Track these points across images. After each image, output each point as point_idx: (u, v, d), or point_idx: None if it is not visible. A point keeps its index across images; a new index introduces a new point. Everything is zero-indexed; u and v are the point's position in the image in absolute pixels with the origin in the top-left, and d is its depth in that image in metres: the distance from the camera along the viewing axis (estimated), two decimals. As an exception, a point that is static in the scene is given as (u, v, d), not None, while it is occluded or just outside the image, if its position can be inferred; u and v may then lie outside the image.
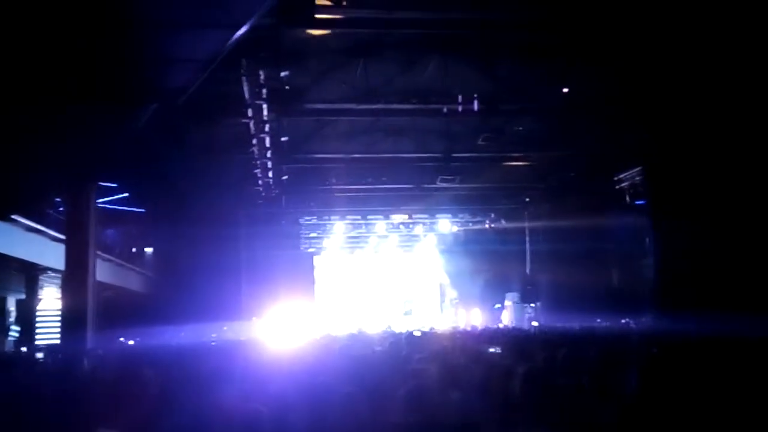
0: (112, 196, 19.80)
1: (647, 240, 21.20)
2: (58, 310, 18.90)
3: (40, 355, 8.75)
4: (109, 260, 19.60)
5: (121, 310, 18.37)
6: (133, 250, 24.14)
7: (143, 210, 21.83)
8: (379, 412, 3.11)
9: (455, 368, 4.13)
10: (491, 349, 6.86)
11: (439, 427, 2.84)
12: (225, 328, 16.06)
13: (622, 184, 18.46)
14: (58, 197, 16.45)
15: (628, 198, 18.34)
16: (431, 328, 16.18)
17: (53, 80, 7.08)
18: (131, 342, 13.68)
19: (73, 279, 11.12)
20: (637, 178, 17.73)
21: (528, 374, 3.12)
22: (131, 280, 22.26)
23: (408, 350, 7.37)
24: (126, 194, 20.42)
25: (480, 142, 14.87)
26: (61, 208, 16.70)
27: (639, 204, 18.10)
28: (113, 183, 18.18)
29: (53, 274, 18.04)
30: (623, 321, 12.33)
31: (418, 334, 12.34)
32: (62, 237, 15.37)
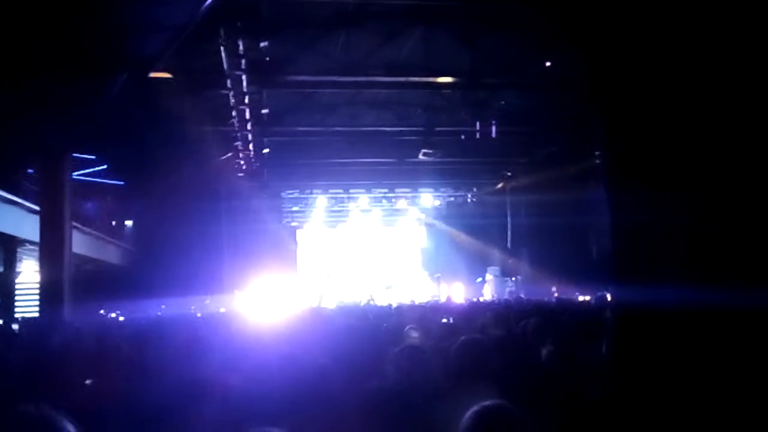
0: (91, 168, 19.57)
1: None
2: (37, 283, 18.75)
3: (15, 327, 8.69)
4: (88, 233, 19.42)
5: (101, 284, 18.28)
6: (113, 223, 23.94)
7: (122, 182, 21.61)
8: (357, 379, 3.15)
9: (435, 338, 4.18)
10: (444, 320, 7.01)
11: (409, 392, 2.87)
12: (207, 301, 16.05)
13: (603, 159, 18.57)
14: (32, 169, 16.22)
15: (608, 172, 18.47)
16: (411, 301, 16.29)
17: (24, 50, 6.93)
18: (112, 315, 13.63)
19: (49, 251, 11.00)
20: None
21: (500, 342, 3.17)
22: (111, 254, 22.10)
23: (395, 321, 7.44)
24: (105, 166, 20.18)
25: (462, 115, 14.85)
26: (36, 179, 16.48)
27: (619, 178, 18.25)
28: (91, 155, 17.94)
29: (31, 247, 17.85)
30: (599, 293, 12.46)
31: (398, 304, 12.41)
32: (38, 208, 15.20)
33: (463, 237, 24.49)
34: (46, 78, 7.44)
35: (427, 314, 7.87)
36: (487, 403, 2.06)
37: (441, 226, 25.96)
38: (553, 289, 16.66)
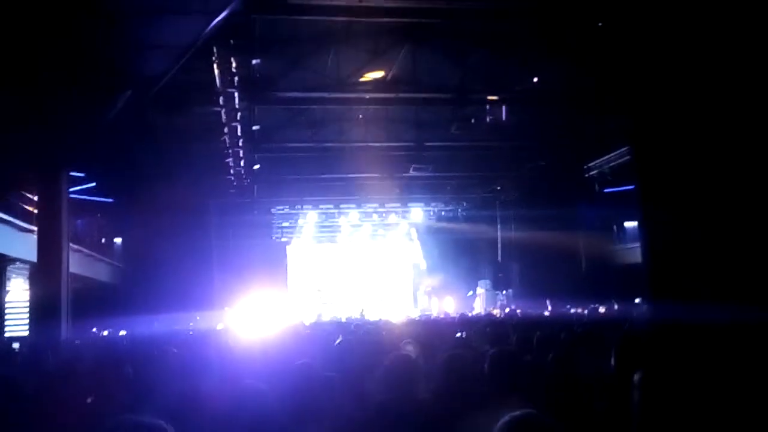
0: (80, 185, 19.46)
1: (614, 228, 21.68)
2: (26, 301, 18.60)
3: (15, 345, 8.64)
4: (78, 251, 19.31)
5: (91, 302, 18.13)
6: (102, 240, 23.80)
7: (112, 200, 21.50)
8: (355, 394, 3.18)
9: (430, 350, 4.22)
10: (458, 334, 7.03)
11: (415, 404, 2.91)
12: (197, 317, 15.98)
13: (592, 173, 18.79)
14: (28, 187, 16.15)
15: (597, 186, 18.68)
16: (406, 317, 16.31)
17: (28, 67, 6.97)
18: (105, 333, 13.55)
19: (45, 270, 10.95)
20: (606, 167, 18.06)
21: (498, 355, 3.22)
22: (101, 271, 21.96)
23: (386, 336, 7.46)
24: (94, 183, 20.08)
25: (453, 131, 14.98)
26: (27, 200, 16.40)
27: (608, 192, 18.46)
28: (81, 172, 17.88)
29: (21, 265, 17.73)
30: (592, 306, 12.58)
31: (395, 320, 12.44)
32: (30, 227, 15.14)
33: (453, 251, 24.55)
34: (52, 95, 7.47)
35: (423, 329, 7.90)
36: (517, 413, 2.09)
37: (431, 240, 26.01)
38: (548, 302, 16.75)
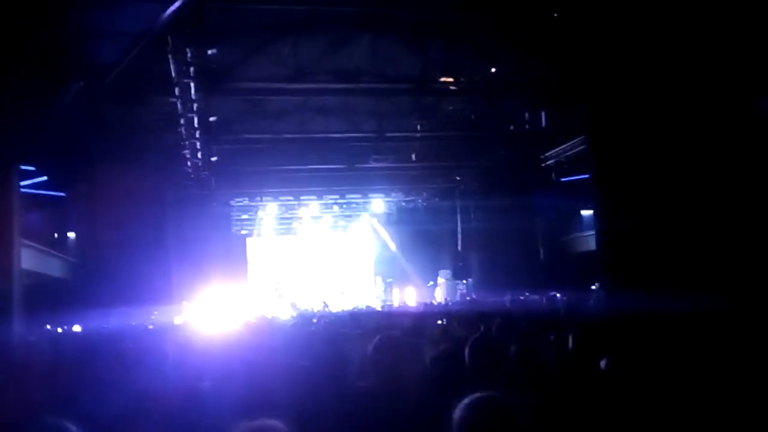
0: (32, 179, 18.92)
1: (571, 216, 22.07)
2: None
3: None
4: (30, 246, 18.77)
5: (44, 298, 17.65)
6: (55, 235, 23.19)
7: (65, 194, 20.95)
8: (327, 382, 3.17)
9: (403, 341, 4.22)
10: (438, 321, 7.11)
11: (394, 392, 2.91)
12: (155, 312, 15.71)
13: (549, 162, 19.05)
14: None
15: (554, 176, 18.96)
16: (367, 306, 16.32)
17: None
18: (59, 329, 13.21)
19: (-3, 265, 10.62)
20: (563, 156, 18.34)
21: (476, 342, 3.25)
22: (54, 267, 21.39)
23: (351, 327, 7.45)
24: (45, 177, 19.54)
25: (412, 122, 15.02)
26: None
27: (564, 181, 18.76)
28: (32, 165, 17.36)
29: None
30: (551, 294, 12.80)
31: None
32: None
33: (414, 241, 24.67)
34: (3, 85, 7.19)
35: (387, 320, 7.92)
36: (479, 394, 2.12)
37: (392, 231, 26.08)
38: (507, 292, 16.99)
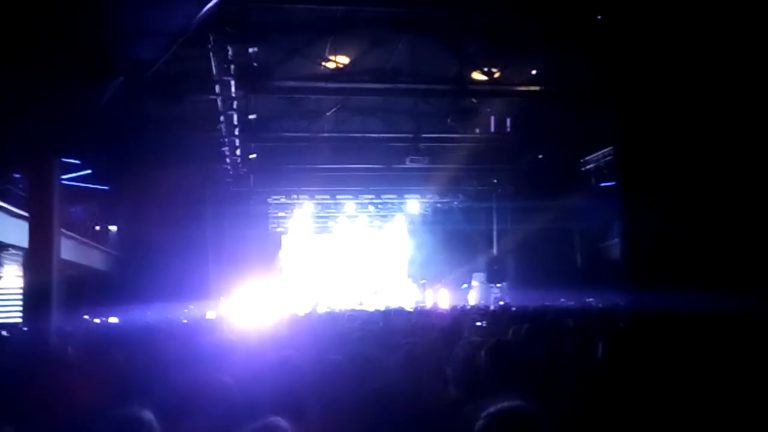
0: (75, 172, 19.39)
1: (609, 221, 21.69)
2: (19, 288, 18.55)
3: (4, 332, 8.60)
4: (72, 238, 19.26)
5: (85, 289, 18.12)
6: (97, 228, 23.73)
7: (107, 188, 21.43)
8: (357, 381, 3.17)
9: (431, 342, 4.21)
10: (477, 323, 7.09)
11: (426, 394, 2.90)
12: (191, 307, 15.95)
13: (588, 166, 18.77)
14: (19, 173, 16.06)
15: (593, 180, 18.67)
16: (399, 307, 16.31)
17: (19, 51, 6.88)
18: (97, 320, 13.51)
19: (37, 257, 10.88)
20: (603, 161, 18.04)
21: (496, 347, 3.20)
22: (95, 259, 21.92)
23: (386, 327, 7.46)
24: (89, 171, 19.99)
25: (449, 122, 14.93)
26: (21, 185, 16.32)
27: (604, 186, 18.45)
28: (76, 159, 17.79)
29: (14, 252, 17.66)
30: (587, 300, 12.60)
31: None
32: (23, 213, 15.06)
33: (449, 243, 24.56)
34: (42, 79, 7.38)
35: (419, 320, 7.90)
36: (504, 404, 2.07)
37: (427, 232, 26.01)
38: (542, 296, 16.79)
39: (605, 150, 17.47)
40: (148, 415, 2.19)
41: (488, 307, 15.46)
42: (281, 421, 2.15)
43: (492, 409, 2.04)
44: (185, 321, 11.41)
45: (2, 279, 19.97)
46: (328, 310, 16.59)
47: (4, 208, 15.75)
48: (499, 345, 3.24)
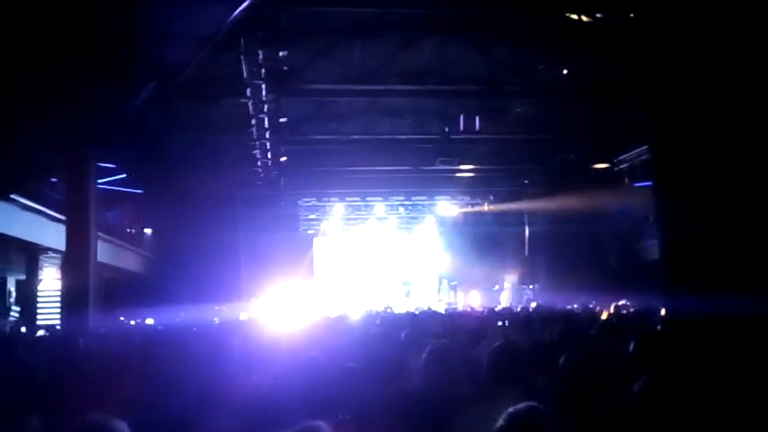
0: (110, 176, 19.78)
1: (643, 222, 21.34)
2: (58, 290, 18.98)
3: (41, 333, 8.79)
4: (108, 241, 19.63)
5: (120, 291, 18.44)
6: (132, 230, 24.15)
7: (141, 191, 21.80)
8: (386, 383, 3.17)
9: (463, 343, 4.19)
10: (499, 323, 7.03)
11: (449, 397, 2.89)
12: (224, 308, 16.12)
13: (621, 166, 18.49)
14: (56, 176, 16.43)
15: (627, 180, 18.38)
16: (429, 309, 16.25)
17: (55, 55, 7.02)
18: (132, 322, 13.74)
19: (74, 259, 11.12)
20: (636, 161, 17.75)
21: (530, 348, 3.18)
22: (130, 261, 22.31)
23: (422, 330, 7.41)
24: (124, 175, 20.38)
25: (481, 124, 14.86)
26: (58, 189, 16.68)
27: (638, 186, 18.15)
28: (111, 163, 18.14)
29: (53, 255, 18.07)
30: (620, 303, 12.39)
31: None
32: (61, 217, 15.40)
33: (480, 245, 24.42)
34: (77, 82, 7.53)
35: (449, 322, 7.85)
36: (521, 406, 2.06)
37: (458, 233, 25.89)
38: (575, 298, 16.58)
39: (639, 149, 17.18)
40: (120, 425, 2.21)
41: (524, 308, 15.31)
42: (322, 425, 2.15)
43: (511, 410, 2.03)
44: (217, 321, 11.51)
45: (42, 281, 20.44)
46: (358, 312, 16.59)
47: (43, 212, 16.12)
48: (504, 347, 3.22)
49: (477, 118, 14.94)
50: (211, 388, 3.58)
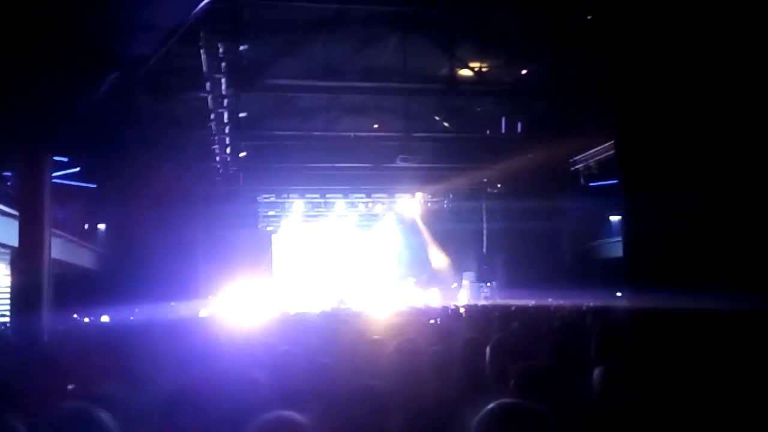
0: (63, 170, 19.25)
1: (598, 221, 21.83)
2: (6, 286, 18.40)
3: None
4: (60, 236, 19.11)
5: (73, 288, 17.97)
6: (85, 226, 23.55)
7: (95, 185, 21.30)
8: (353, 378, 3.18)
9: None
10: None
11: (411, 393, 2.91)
12: (181, 305, 15.88)
13: (577, 166, 18.87)
14: (9, 170, 15.92)
15: (582, 180, 18.77)
16: (386, 305, 16.31)
17: (10, 46, 6.82)
18: (86, 320, 13.43)
19: (27, 255, 10.78)
20: (592, 161, 18.14)
21: (493, 345, 3.23)
22: (84, 257, 21.75)
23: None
24: (77, 168, 19.86)
25: (439, 121, 14.99)
26: (9, 183, 16.18)
27: (593, 186, 18.57)
28: (65, 157, 17.67)
29: (2, 250, 17.51)
30: (575, 300, 12.65)
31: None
32: (13, 212, 14.94)
33: (439, 242, 24.60)
34: (35, 75, 7.32)
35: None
36: (505, 400, 2.04)
37: (417, 231, 26.01)
38: (531, 296, 16.86)
39: (595, 150, 17.57)
40: (104, 414, 2.18)
41: (482, 305, 15.48)
42: (295, 415, 2.13)
43: (492, 406, 1.99)
44: (173, 319, 11.34)
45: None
46: (316, 309, 16.54)
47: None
48: (501, 342, 3.26)
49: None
50: (179, 384, 3.55)
